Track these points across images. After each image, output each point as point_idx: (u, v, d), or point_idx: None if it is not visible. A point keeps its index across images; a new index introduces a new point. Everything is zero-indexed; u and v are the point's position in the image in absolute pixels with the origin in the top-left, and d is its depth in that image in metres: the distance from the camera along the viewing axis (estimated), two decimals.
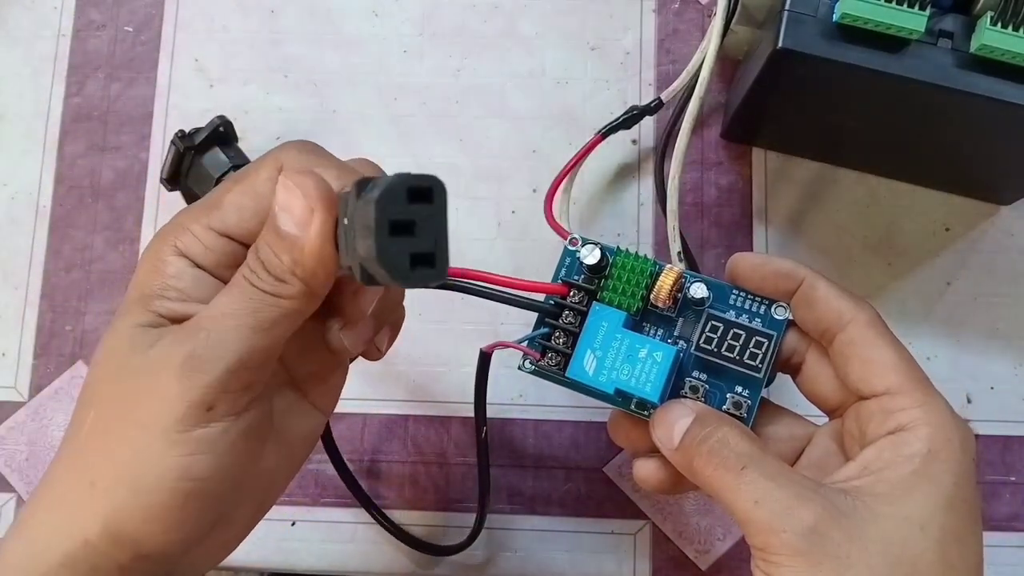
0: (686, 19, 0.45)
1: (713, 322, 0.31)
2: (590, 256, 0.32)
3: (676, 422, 0.29)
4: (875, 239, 0.42)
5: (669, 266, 0.32)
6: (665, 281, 0.31)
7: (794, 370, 0.32)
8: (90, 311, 0.43)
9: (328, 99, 0.45)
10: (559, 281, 0.33)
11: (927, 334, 0.41)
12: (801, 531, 0.26)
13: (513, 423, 0.41)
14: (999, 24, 0.31)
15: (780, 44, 0.32)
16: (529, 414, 0.41)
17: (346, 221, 0.25)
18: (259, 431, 0.27)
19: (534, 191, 0.43)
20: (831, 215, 0.43)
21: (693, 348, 0.31)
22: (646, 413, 0.31)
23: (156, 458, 0.25)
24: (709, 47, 0.38)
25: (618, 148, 0.43)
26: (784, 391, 0.35)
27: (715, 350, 0.31)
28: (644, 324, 0.32)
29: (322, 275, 0.26)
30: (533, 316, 0.33)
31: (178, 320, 0.26)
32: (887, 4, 0.31)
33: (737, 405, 0.31)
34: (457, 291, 0.32)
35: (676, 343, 0.32)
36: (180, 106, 0.45)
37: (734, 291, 0.32)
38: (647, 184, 0.43)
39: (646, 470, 0.32)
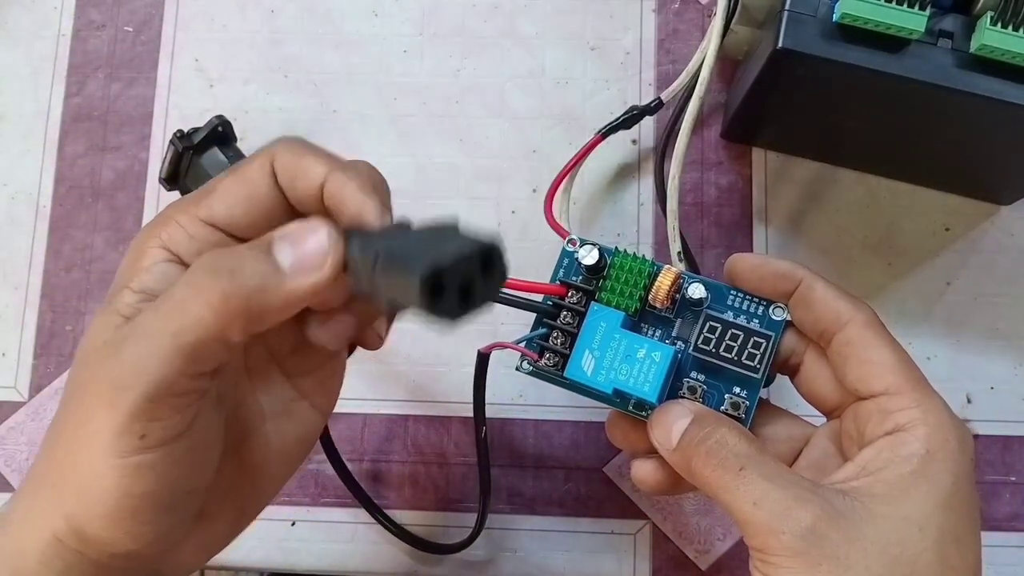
0: (686, 19, 0.45)
1: (711, 323, 0.31)
2: (588, 256, 0.32)
3: (674, 423, 0.29)
4: (875, 239, 0.42)
5: (667, 267, 0.32)
6: (663, 281, 0.31)
7: (792, 371, 0.32)
8: (90, 311, 0.43)
9: (328, 99, 0.45)
10: (557, 282, 0.33)
11: (927, 334, 0.41)
12: (799, 532, 0.26)
13: (513, 423, 0.41)
14: (999, 24, 0.31)
15: (780, 44, 0.32)
16: (529, 414, 0.41)
17: (372, 255, 0.24)
18: (212, 440, 0.26)
19: (534, 191, 0.43)
20: (831, 215, 0.43)
21: (691, 348, 0.31)
22: (644, 414, 0.31)
23: (98, 476, 0.24)
24: (709, 47, 0.38)
25: (618, 148, 0.43)
26: (783, 392, 0.35)
27: (713, 351, 0.31)
28: (642, 324, 0.32)
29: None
30: (533, 316, 0.33)
31: None
32: (887, 4, 0.31)
33: (735, 406, 0.31)
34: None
35: (674, 343, 0.32)
36: (180, 106, 0.45)
37: (732, 292, 0.32)
38: (647, 184, 0.43)
39: (644, 471, 0.32)
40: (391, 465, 0.41)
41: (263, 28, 0.45)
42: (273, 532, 0.41)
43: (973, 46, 0.32)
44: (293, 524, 0.41)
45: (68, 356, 0.42)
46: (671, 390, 0.31)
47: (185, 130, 0.41)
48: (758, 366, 0.30)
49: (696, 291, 0.31)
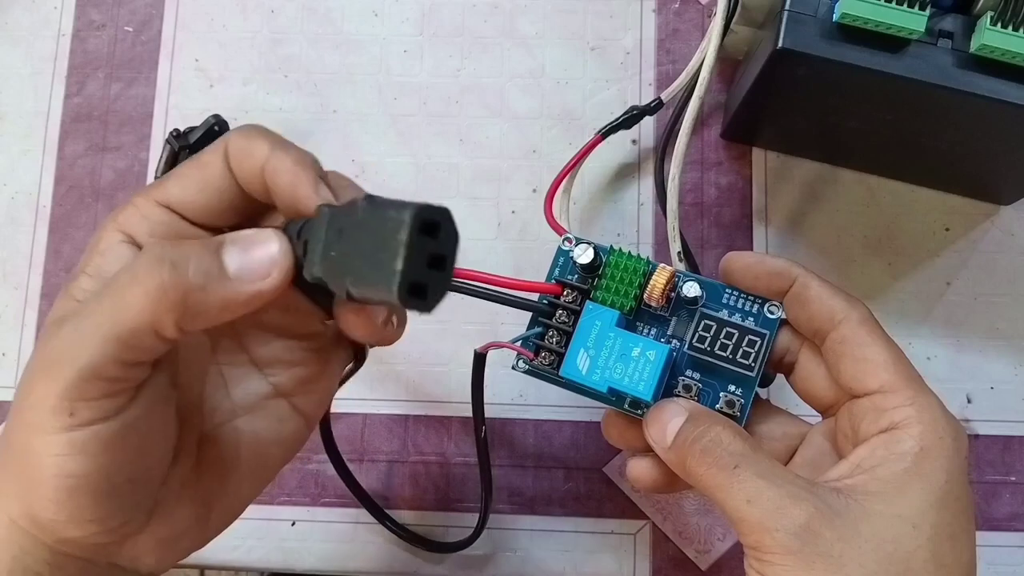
0: (686, 19, 0.45)
1: (706, 321, 0.31)
2: (583, 255, 0.32)
3: (669, 421, 0.29)
4: (875, 239, 0.42)
5: (662, 265, 0.32)
6: (658, 280, 0.31)
7: (787, 369, 0.32)
8: None
9: (328, 99, 0.45)
10: (553, 280, 0.33)
11: (927, 334, 0.41)
12: (794, 530, 0.26)
13: (513, 423, 0.41)
14: (999, 24, 0.31)
15: (780, 44, 0.32)
16: (529, 414, 0.41)
17: (322, 236, 0.24)
18: (156, 430, 0.26)
19: (534, 191, 0.43)
20: (831, 215, 0.43)
21: (686, 347, 0.31)
22: (639, 412, 0.31)
23: (36, 454, 0.24)
24: (709, 47, 0.38)
25: (618, 148, 0.43)
26: (778, 391, 0.35)
27: (708, 349, 0.31)
28: (637, 323, 0.32)
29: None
30: (530, 316, 0.33)
31: None
32: (887, 4, 0.31)
33: (730, 404, 0.31)
34: (450, 290, 0.32)
35: (669, 342, 0.32)
36: (180, 106, 0.45)
37: (727, 290, 0.32)
38: (647, 184, 0.43)
39: (639, 469, 0.32)
40: (391, 465, 0.41)
41: (263, 28, 0.45)
42: (273, 532, 0.41)
43: (973, 46, 0.32)
44: (293, 524, 0.41)
45: None
46: (666, 389, 0.31)
47: (181, 129, 0.41)
48: (753, 364, 0.30)
49: (691, 289, 0.31)
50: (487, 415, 0.35)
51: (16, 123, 0.45)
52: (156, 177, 0.41)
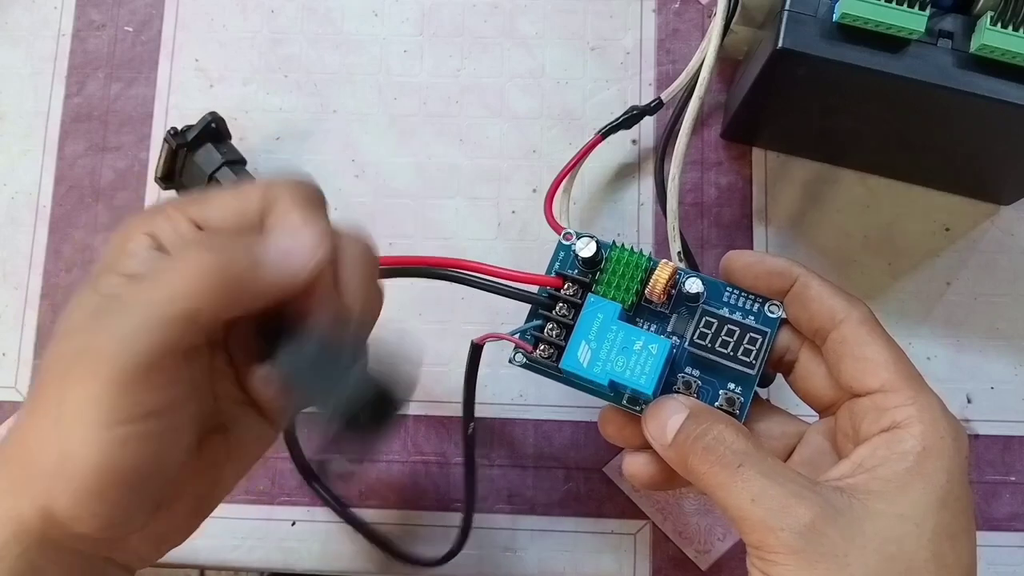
0: (686, 19, 0.45)
1: (707, 318, 0.31)
2: (586, 249, 0.31)
3: (669, 418, 0.29)
4: (875, 239, 0.42)
5: (664, 261, 0.32)
6: (660, 276, 0.31)
7: (786, 369, 0.32)
8: None
9: (328, 99, 0.45)
10: (553, 273, 0.32)
11: (927, 334, 0.41)
12: (798, 529, 0.26)
13: (513, 423, 0.41)
14: (999, 24, 0.31)
15: (780, 44, 0.32)
16: (529, 414, 0.41)
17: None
18: (185, 426, 0.27)
19: (534, 191, 0.43)
20: (831, 215, 0.43)
21: (687, 344, 0.31)
22: (638, 408, 0.31)
23: (79, 446, 0.24)
24: (709, 47, 0.38)
25: (618, 148, 0.43)
26: (775, 390, 0.35)
27: (709, 346, 0.31)
28: (637, 319, 0.32)
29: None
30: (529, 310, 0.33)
31: None
32: (887, 4, 0.31)
33: (730, 402, 0.31)
34: (450, 280, 0.32)
35: (670, 338, 0.32)
36: (180, 106, 0.45)
37: (728, 288, 0.32)
38: (647, 184, 0.43)
39: (636, 465, 0.32)
40: (391, 465, 0.41)
41: (263, 28, 0.45)
42: (273, 532, 0.41)
43: (973, 46, 0.32)
44: (293, 524, 0.41)
45: None
46: (666, 386, 0.31)
47: (179, 128, 0.41)
48: (753, 362, 0.30)
49: (693, 286, 0.31)
50: (487, 415, 0.35)
51: (16, 123, 0.45)
52: (156, 177, 0.41)
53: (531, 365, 0.32)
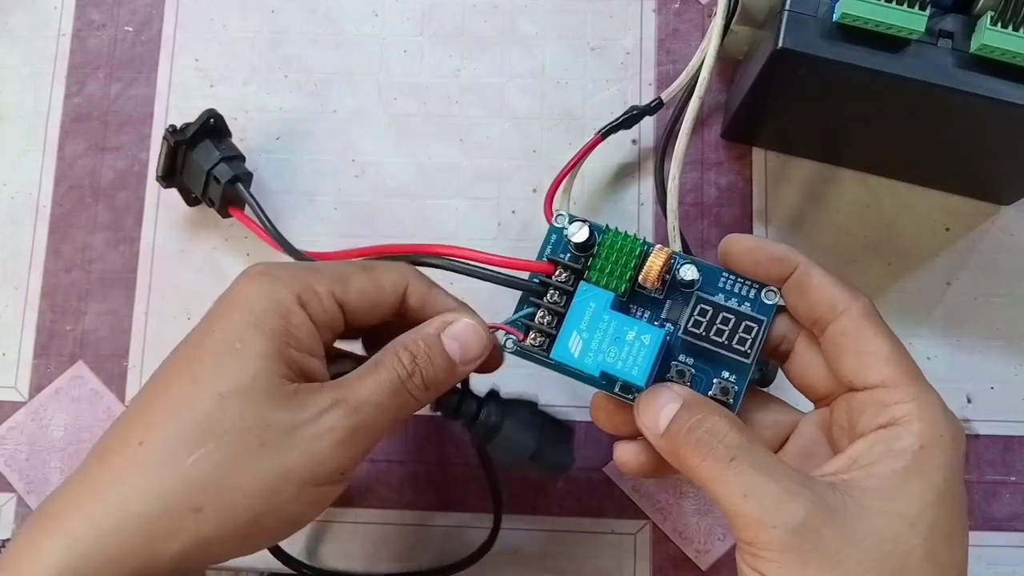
0: (686, 19, 0.45)
1: (702, 305, 0.30)
2: (578, 233, 0.31)
3: (663, 408, 0.29)
4: (875, 239, 0.42)
5: (659, 246, 0.31)
6: (655, 262, 0.30)
7: (782, 357, 0.31)
8: (90, 311, 0.43)
9: (328, 99, 0.45)
10: (544, 259, 0.32)
11: (927, 334, 0.41)
12: (791, 527, 0.25)
13: None
14: (999, 24, 0.31)
15: (780, 44, 0.32)
16: None
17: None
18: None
19: (534, 191, 0.43)
20: (831, 215, 0.43)
21: (681, 331, 0.31)
22: (631, 397, 0.31)
23: (283, 502, 0.27)
24: (709, 47, 0.38)
25: (618, 148, 0.43)
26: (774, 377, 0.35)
27: (703, 334, 0.30)
28: (632, 305, 0.32)
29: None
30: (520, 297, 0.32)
31: (302, 373, 0.29)
32: (887, 4, 0.31)
33: (724, 391, 0.30)
34: (439, 268, 0.32)
35: (663, 326, 0.31)
36: (180, 106, 0.45)
37: (724, 274, 0.31)
38: (647, 184, 0.43)
39: (627, 453, 0.32)
40: (391, 465, 0.41)
41: (263, 28, 0.45)
42: None
43: (973, 46, 0.32)
44: None
45: (68, 356, 0.42)
46: (659, 374, 0.31)
47: (177, 125, 0.40)
48: (749, 351, 0.30)
49: (688, 272, 0.31)
50: None
51: (16, 123, 0.45)
52: (157, 176, 0.41)
53: (523, 353, 0.32)
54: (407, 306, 0.32)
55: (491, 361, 0.33)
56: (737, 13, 0.39)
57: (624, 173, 0.43)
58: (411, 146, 0.44)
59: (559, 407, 0.41)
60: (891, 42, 0.32)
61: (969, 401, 0.41)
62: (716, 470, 0.27)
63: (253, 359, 0.27)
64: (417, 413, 0.41)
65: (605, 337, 0.30)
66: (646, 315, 0.32)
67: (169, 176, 0.41)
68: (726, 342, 0.30)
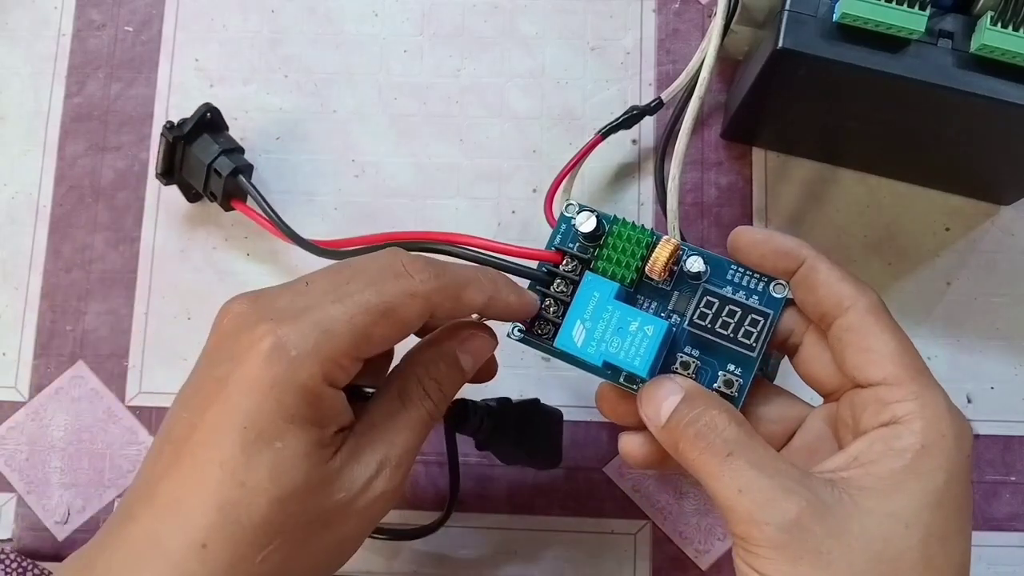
0: (686, 19, 0.45)
1: (708, 297, 0.30)
2: (586, 223, 0.31)
3: (664, 399, 0.29)
4: (875, 239, 0.42)
5: (666, 237, 0.31)
6: (661, 253, 0.30)
7: (791, 351, 0.31)
8: (90, 311, 0.43)
9: (328, 99, 0.45)
10: (553, 248, 0.32)
11: (927, 334, 0.41)
12: (783, 524, 0.25)
13: None
14: (999, 24, 0.31)
15: (780, 44, 0.32)
16: None
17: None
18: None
19: (534, 191, 0.43)
20: (831, 215, 0.43)
21: (687, 323, 0.30)
22: (635, 387, 0.31)
23: (342, 561, 0.29)
24: (709, 47, 0.38)
25: (618, 148, 0.43)
26: (781, 370, 0.35)
27: (709, 326, 0.30)
28: (638, 296, 0.32)
29: None
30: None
31: (338, 431, 0.28)
32: (887, 4, 0.31)
33: (728, 384, 0.30)
34: (445, 255, 0.32)
35: (670, 317, 0.31)
36: (180, 106, 0.45)
37: (732, 266, 0.31)
38: (647, 184, 0.43)
39: (631, 445, 0.32)
40: None
41: (263, 28, 0.45)
42: None
43: (973, 46, 0.32)
44: None
45: (68, 356, 0.42)
46: (664, 365, 0.31)
47: (175, 122, 0.40)
48: (755, 344, 0.30)
49: (695, 264, 0.31)
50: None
51: (16, 123, 0.45)
52: (157, 173, 0.41)
53: (528, 341, 0.32)
54: (445, 318, 0.31)
55: (483, 375, 0.33)
56: (737, 13, 0.39)
57: (624, 173, 0.43)
58: (411, 146, 0.44)
59: (559, 407, 0.41)
60: (891, 42, 0.32)
61: (969, 401, 0.41)
62: (713, 465, 0.27)
63: (300, 458, 0.26)
64: None
65: (608, 327, 0.30)
66: (653, 306, 0.32)
67: (168, 173, 0.41)
68: (732, 335, 0.30)
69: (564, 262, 0.32)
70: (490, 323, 0.32)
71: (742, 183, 0.43)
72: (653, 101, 0.41)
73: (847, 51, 0.32)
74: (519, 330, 0.32)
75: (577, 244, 0.32)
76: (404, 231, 0.41)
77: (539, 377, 0.41)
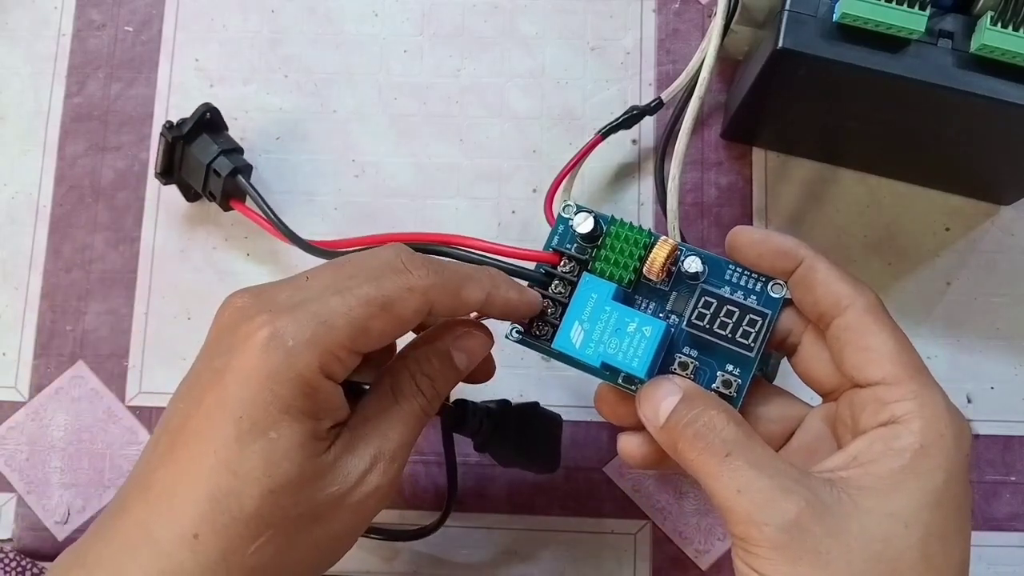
0: (686, 19, 0.45)
1: (706, 298, 0.30)
2: (583, 224, 0.31)
3: (663, 400, 0.29)
4: (875, 239, 0.42)
5: (664, 238, 0.31)
6: (659, 253, 0.30)
7: (790, 350, 0.31)
8: (90, 311, 0.43)
9: (328, 99, 0.45)
10: (550, 249, 0.32)
11: (927, 334, 0.41)
12: (783, 525, 0.25)
13: None
14: (999, 24, 0.31)
15: (780, 44, 0.32)
16: None
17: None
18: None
19: (534, 191, 0.43)
20: (831, 215, 0.43)
21: (685, 323, 0.30)
22: (633, 388, 0.31)
23: (335, 557, 0.29)
24: (709, 47, 0.38)
25: (618, 148, 0.43)
26: (780, 370, 0.35)
27: (707, 326, 0.30)
28: (636, 297, 0.32)
29: None
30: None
31: (333, 424, 0.28)
32: (887, 4, 0.31)
33: (727, 384, 0.30)
34: (443, 256, 0.32)
35: (668, 318, 0.31)
36: (180, 106, 0.45)
37: (730, 266, 0.31)
38: (647, 184, 0.43)
39: (630, 445, 0.32)
40: None
41: (263, 28, 0.45)
42: None
43: (973, 46, 0.32)
44: None
45: (68, 356, 0.42)
46: (662, 365, 0.31)
47: (174, 121, 0.40)
48: (753, 344, 0.30)
49: (692, 264, 0.31)
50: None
51: (16, 123, 0.45)
52: (156, 172, 0.41)
53: (526, 342, 0.32)
54: (443, 316, 0.31)
55: (481, 375, 0.33)
56: (737, 13, 0.39)
57: (624, 173, 0.43)
58: (411, 146, 0.44)
59: (559, 407, 0.41)
60: (891, 42, 0.32)
61: (969, 401, 0.41)
62: (712, 465, 0.27)
63: (293, 450, 0.26)
64: None
65: (606, 328, 0.30)
66: (651, 306, 0.32)
67: (168, 172, 0.41)
68: (730, 335, 0.30)
69: (562, 263, 0.32)
70: (489, 323, 0.32)
71: (742, 183, 0.43)
72: (653, 101, 0.41)
73: (847, 51, 0.32)
74: (517, 331, 0.32)
75: (575, 245, 0.32)
76: (404, 231, 0.41)
77: (539, 377, 0.41)
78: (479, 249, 0.32)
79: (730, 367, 0.31)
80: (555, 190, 0.38)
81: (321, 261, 0.38)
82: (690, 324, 0.30)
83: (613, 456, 0.41)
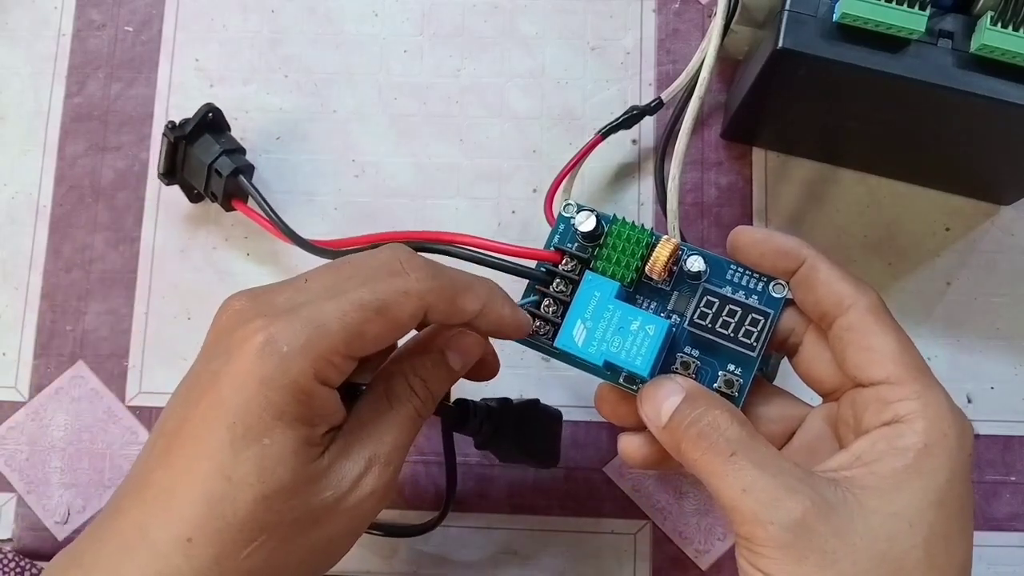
0: (686, 19, 0.45)
1: (708, 297, 0.30)
2: (585, 223, 0.31)
3: (665, 400, 0.29)
4: (875, 239, 0.42)
5: (666, 237, 0.31)
6: (661, 252, 0.30)
7: (791, 350, 0.31)
8: (90, 311, 0.43)
9: (328, 99, 0.45)
10: (552, 248, 0.32)
11: (927, 334, 0.41)
12: (788, 524, 0.25)
13: None
14: (999, 24, 0.31)
15: (780, 44, 0.32)
16: None
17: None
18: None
19: (534, 191, 0.43)
20: (831, 215, 0.43)
21: (686, 323, 0.30)
22: (634, 388, 0.31)
23: (332, 560, 0.29)
24: (709, 47, 0.38)
25: (618, 148, 0.43)
26: (780, 370, 0.35)
27: (709, 326, 0.30)
28: (638, 296, 0.32)
29: None
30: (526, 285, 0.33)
31: (328, 429, 0.28)
32: (887, 4, 0.31)
33: (729, 383, 0.30)
34: (444, 255, 0.32)
35: (669, 317, 0.31)
36: (180, 106, 0.45)
37: (732, 266, 0.31)
38: (647, 184, 0.43)
39: (631, 446, 0.32)
40: None
41: (263, 28, 0.45)
42: None
43: (973, 46, 0.32)
44: None
45: (68, 356, 0.42)
46: (664, 365, 0.31)
47: (176, 121, 0.40)
48: (755, 344, 0.30)
49: (695, 264, 0.31)
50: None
51: (16, 123, 0.45)
52: (159, 173, 0.41)
53: (527, 341, 0.32)
54: (440, 322, 0.31)
55: (485, 373, 0.33)
56: (737, 13, 0.39)
57: (624, 173, 0.43)
58: (411, 146, 0.44)
59: (559, 407, 0.41)
60: (891, 42, 0.32)
61: (969, 401, 0.41)
62: (716, 464, 0.27)
63: (287, 456, 0.26)
64: None
65: (609, 327, 0.30)
66: (653, 306, 0.32)
67: (170, 173, 0.41)
68: (732, 334, 0.30)
69: (563, 262, 0.32)
70: None
71: (742, 183, 0.43)
72: (653, 101, 0.41)
73: (847, 51, 0.32)
74: None
75: (576, 244, 0.32)
76: (404, 231, 0.41)
77: (539, 377, 0.41)
78: (481, 248, 0.32)
79: (732, 367, 0.31)
80: (555, 190, 0.38)
81: (322, 261, 0.38)
82: (692, 324, 0.30)
83: (613, 456, 0.41)
